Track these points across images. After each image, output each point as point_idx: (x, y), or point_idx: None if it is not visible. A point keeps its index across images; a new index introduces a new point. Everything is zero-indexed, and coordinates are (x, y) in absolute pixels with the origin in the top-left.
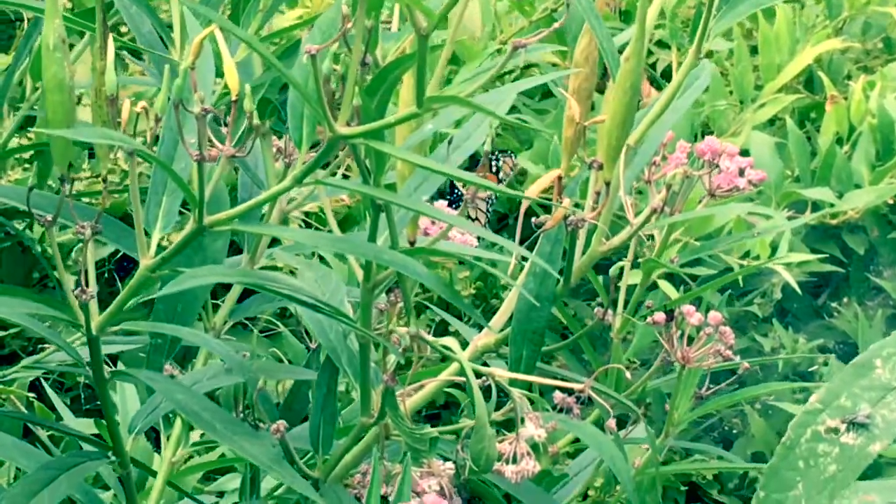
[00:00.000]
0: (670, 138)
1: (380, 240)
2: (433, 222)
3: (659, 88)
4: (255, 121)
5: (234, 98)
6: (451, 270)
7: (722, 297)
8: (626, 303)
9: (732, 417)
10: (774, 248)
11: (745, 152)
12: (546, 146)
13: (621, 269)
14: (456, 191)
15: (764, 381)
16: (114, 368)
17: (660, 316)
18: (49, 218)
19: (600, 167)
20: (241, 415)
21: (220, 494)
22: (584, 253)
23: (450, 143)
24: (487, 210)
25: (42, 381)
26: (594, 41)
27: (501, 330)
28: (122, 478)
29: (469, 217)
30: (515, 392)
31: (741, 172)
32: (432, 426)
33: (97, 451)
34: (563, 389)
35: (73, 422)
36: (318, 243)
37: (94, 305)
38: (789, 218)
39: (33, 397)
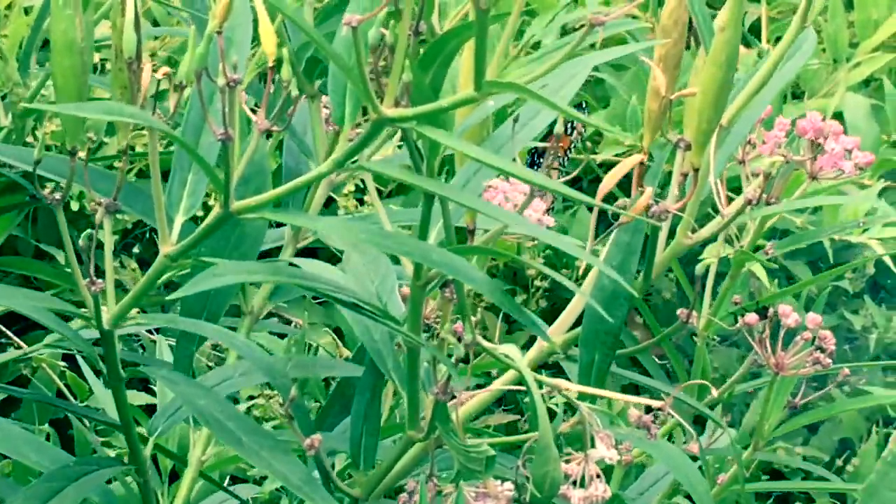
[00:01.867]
0: (768, 113)
1: (433, 234)
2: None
3: (748, 45)
4: (294, 91)
5: (270, 64)
6: (519, 242)
7: (821, 290)
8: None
9: (819, 400)
10: None
11: (838, 115)
12: (623, 106)
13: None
14: (536, 160)
15: (853, 361)
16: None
17: (752, 318)
18: (58, 196)
19: (688, 147)
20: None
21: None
22: (667, 244)
23: (515, 121)
24: (561, 170)
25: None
26: (684, 2)
27: (571, 328)
28: (140, 486)
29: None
30: (584, 407)
31: (847, 154)
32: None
33: (111, 459)
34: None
35: (104, 395)
36: (357, 238)
37: (110, 294)
38: (885, 189)
39: (65, 366)
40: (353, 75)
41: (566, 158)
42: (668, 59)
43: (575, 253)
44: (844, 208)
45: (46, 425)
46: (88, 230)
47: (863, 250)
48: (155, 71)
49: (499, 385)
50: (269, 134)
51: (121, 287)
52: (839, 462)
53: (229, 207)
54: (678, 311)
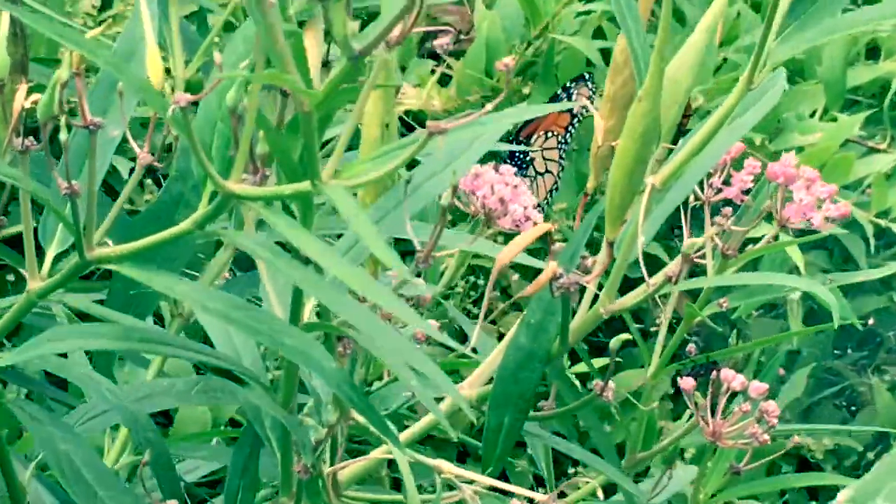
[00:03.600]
0: (739, 151)
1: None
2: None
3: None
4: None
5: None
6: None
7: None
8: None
9: (859, 387)
10: None
11: None
12: None
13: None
14: (518, 154)
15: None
16: None
17: (687, 383)
18: None
19: None
20: None
21: None
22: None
23: (408, 182)
24: (561, 152)
25: None
26: None
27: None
28: None
29: (537, 172)
30: (468, 490)
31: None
32: None
33: None
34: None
35: None
36: (208, 304)
37: None
38: None
39: None
40: (194, 151)
41: (569, 135)
42: (618, 99)
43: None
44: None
45: None
46: None
47: None
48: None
49: (375, 455)
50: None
51: None
52: (871, 455)
53: (84, 257)
54: (594, 384)
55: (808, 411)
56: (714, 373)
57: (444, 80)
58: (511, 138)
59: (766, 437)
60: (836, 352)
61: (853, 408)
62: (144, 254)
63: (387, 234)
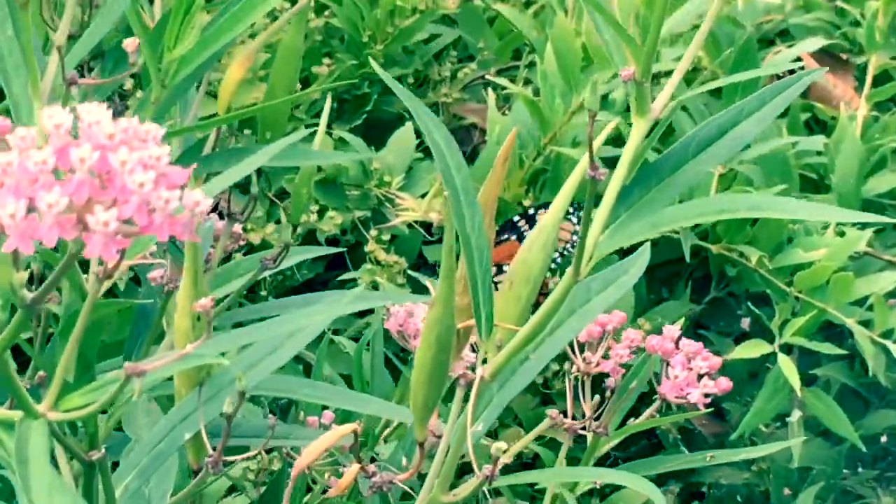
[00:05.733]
0: (621, 322)
1: None
2: None
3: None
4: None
5: None
6: None
7: None
8: None
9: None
10: None
11: None
12: None
13: None
14: (518, 223)
15: None
16: None
17: None
18: None
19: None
20: None
21: None
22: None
23: (201, 387)
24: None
25: None
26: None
27: None
28: None
29: None
30: None
31: (699, 378)
32: None
33: None
34: None
35: None
36: None
37: None
38: None
39: None
40: None
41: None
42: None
43: None
44: None
45: None
46: None
47: None
48: None
49: None
50: None
51: None
52: None
53: None
54: None
55: None
56: None
57: None
58: None
59: None
60: (845, 470)
61: None
62: None
63: (192, 428)
